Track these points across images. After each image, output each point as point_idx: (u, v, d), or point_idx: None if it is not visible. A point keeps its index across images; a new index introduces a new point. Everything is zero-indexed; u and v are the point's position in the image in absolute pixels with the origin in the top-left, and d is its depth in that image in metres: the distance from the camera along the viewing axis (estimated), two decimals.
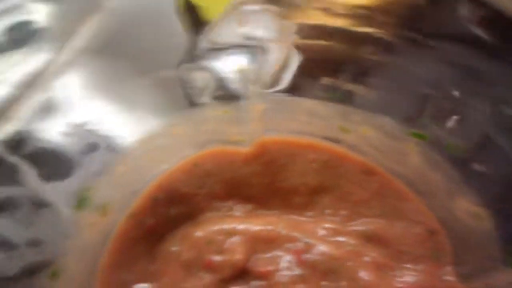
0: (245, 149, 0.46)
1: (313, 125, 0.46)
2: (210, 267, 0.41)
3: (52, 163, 0.38)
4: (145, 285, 0.42)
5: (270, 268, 0.41)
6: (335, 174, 0.46)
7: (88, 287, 0.41)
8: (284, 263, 0.42)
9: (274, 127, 0.46)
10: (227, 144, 0.46)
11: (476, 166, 0.42)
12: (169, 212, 0.45)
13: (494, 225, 0.40)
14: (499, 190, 0.42)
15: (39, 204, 0.36)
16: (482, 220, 0.41)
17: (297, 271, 0.41)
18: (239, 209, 0.45)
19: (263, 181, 0.46)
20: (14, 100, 0.34)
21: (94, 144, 0.41)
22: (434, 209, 0.45)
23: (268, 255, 0.42)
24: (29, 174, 0.36)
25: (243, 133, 0.46)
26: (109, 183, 0.42)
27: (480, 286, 0.41)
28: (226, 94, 0.44)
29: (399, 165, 0.45)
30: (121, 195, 0.43)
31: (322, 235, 0.44)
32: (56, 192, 0.38)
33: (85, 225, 0.40)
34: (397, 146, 0.45)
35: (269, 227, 0.43)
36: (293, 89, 0.44)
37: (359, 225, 0.44)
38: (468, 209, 0.42)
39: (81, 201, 0.40)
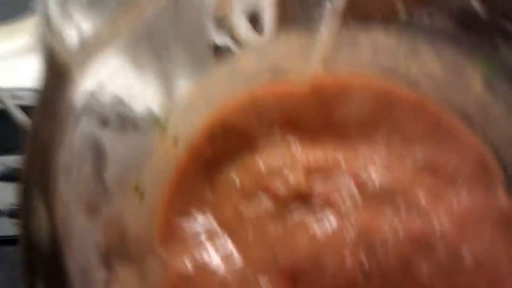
0: (303, 85, 0.46)
1: (373, 57, 0.46)
2: (271, 194, 0.42)
3: None
4: (205, 214, 0.44)
5: (331, 193, 0.42)
6: (389, 109, 0.46)
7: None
8: (344, 189, 0.43)
9: (334, 62, 0.46)
10: (285, 80, 0.46)
11: None
12: (227, 146, 0.46)
13: None
14: None
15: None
16: None
17: (357, 196, 0.42)
18: (296, 143, 0.46)
19: (320, 117, 0.47)
20: None
21: None
22: (491, 143, 0.45)
23: (328, 181, 0.43)
24: None
25: (302, 69, 0.46)
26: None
27: None
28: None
29: (458, 96, 0.45)
30: (187, 128, 0.44)
31: (379, 164, 0.44)
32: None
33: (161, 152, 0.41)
34: (458, 76, 0.44)
35: (328, 157, 0.44)
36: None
37: (416, 155, 0.45)
38: None
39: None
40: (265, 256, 0.40)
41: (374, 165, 0.44)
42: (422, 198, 0.42)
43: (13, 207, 0.67)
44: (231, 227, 0.42)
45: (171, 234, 0.41)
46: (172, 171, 0.44)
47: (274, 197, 0.43)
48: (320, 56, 0.46)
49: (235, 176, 0.45)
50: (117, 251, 0.29)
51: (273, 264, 0.40)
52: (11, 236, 0.65)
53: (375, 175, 0.43)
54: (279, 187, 0.43)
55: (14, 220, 0.67)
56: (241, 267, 0.40)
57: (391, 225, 0.41)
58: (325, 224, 0.41)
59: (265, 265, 0.40)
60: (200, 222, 0.43)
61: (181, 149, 0.44)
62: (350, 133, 0.47)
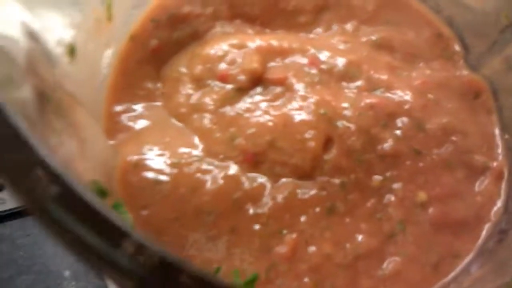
0: None
1: None
2: (225, 78, 0.40)
3: None
4: (156, 103, 0.40)
5: (287, 73, 0.40)
6: None
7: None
8: (300, 69, 0.40)
9: None
10: None
11: None
12: (172, 34, 0.42)
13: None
14: None
15: None
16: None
17: (314, 76, 0.40)
18: (246, 29, 0.44)
19: (268, 2, 0.44)
20: None
21: None
22: (440, 12, 0.45)
23: (283, 63, 0.41)
24: None
25: None
26: None
27: (487, 72, 0.42)
28: None
29: None
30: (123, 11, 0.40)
31: (333, 46, 0.42)
32: None
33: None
34: None
35: (281, 40, 0.42)
36: None
37: (368, 35, 0.44)
38: None
39: None
40: (224, 141, 0.38)
41: (329, 47, 0.42)
42: (382, 74, 0.41)
43: None
44: (184, 117, 0.40)
45: (117, 124, 0.38)
46: (115, 61, 0.40)
47: (229, 82, 0.40)
48: None
49: (184, 65, 0.42)
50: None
51: (232, 148, 0.37)
52: None
53: (332, 55, 0.41)
54: (233, 72, 0.40)
55: None
56: (196, 154, 0.37)
57: (352, 101, 0.39)
58: (284, 105, 0.39)
59: (224, 150, 0.37)
60: (148, 112, 0.40)
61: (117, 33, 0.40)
62: (299, 19, 0.45)
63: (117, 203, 0.28)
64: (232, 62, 0.41)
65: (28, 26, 0.27)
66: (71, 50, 0.32)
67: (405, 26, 0.44)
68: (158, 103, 0.40)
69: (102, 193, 0.26)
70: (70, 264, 0.60)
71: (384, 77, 0.41)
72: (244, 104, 0.39)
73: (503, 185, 0.38)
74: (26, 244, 0.62)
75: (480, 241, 0.36)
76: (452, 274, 0.35)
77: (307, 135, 0.37)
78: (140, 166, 0.36)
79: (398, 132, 0.38)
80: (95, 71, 0.38)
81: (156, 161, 0.36)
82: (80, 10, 0.34)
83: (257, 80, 0.40)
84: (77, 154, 0.25)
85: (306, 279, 0.34)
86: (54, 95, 0.27)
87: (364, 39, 0.44)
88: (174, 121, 0.40)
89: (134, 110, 0.39)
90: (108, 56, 0.40)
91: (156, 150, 0.37)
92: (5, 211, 0.64)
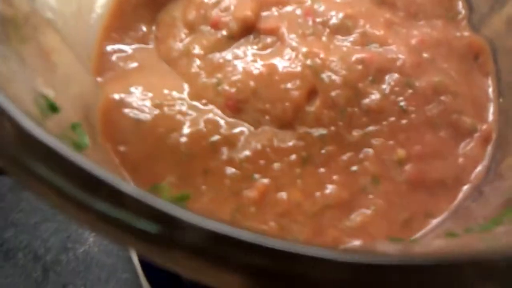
0: None
1: None
2: (217, 25, 0.40)
3: None
4: (148, 46, 0.41)
5: (280, 24, 0.40)
6: None
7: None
8: (294, 20, 0.40)
9: None
10: None
11: None
12: None
13: None
14: None
15: None
16: None
17: (308, 28, 0.40)
18: None
19: None
20: None
21: None
22: None
23: (278, 13, 0.41)
24: None
25: None
26: None
27: (488, 33, 0.40)
28: None
29: None
30: None
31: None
32: None
33: None
34: None
35: None
36: None
37: None
38: None
39: None
40: (209, 86, 0.38)
41: (328, 0, 0.42)
42: (379, 29, 0.40)
43: None
44: (174, 61, 0.40)
45: (107, 63, 0.39)
46: (112, 2, 0.41)
47: (221, 29, 0.40)
48: None
49: (179, 11, 0.42)
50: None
51: (216, 93, 0.38)
52: None
53: (329, 8, 0.41)
54: (225, 19, 0.40)
55: None
56: (180, 96, 0.38)
57: (342, 54, 0.38)
58: (272, 54, 0.39)
59: (208, 95, 0.38)
60: (139, 54, 0.41)
61: None
62: None
63: (75, 123, 0.29)
64: (225, 9, 0.41)
65: None
66: None
67: None
68: (150, 46, 0.41)
69: (53, 108, 0.26)
70: None
71: (380, 32, 0.40)
72: (233, 51, 0.40)
73: (489, 148, 0.37)
74: None
75: (456, 202, 0.35)
76: (420, 232, 0.35)
77: (291, 85, 0.37)
78: (123, 104, 0.37)
79: (385, 87, 0.38)
80: (88, 8, 0.39)
81: (139, 100, 0.37)
82: None
83: (249, 28, 0.40)
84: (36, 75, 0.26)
85: (272, 223, 0.34)
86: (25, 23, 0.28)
87: None
88: (163, 64, 0.40)
89: (125, 51, 0.40)
90: None
91: (141, 90, 0.38)
92: None
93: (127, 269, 0.57)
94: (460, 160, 0.37)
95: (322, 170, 0.36)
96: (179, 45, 0.40)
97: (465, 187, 0.36)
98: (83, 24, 0.38)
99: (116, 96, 0.37)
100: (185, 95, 0.38)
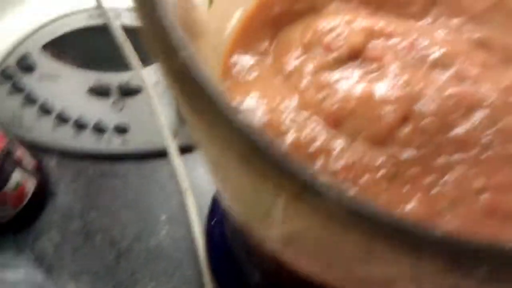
0: None
1: None
2: (329, 48, 0.46)
3: None
4: (267, 60, 0.48)
5: (385, 53, 0.45)
6: None
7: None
8: (399, 52, 0.45)
9: None
10: None
11: None
12: (293, 6, 0.49)
13: None
14: None
15: None
16: None
17: (410, 60, 0.45)
18: (360, 9, 0.49)
19: None
20: None
21: None
22: None
23: (385, 44, 0.46)
24: None
25: None
26: None
27: None
28: None
29: None
30: None
31: (435, 36, 0.46)
32: None
33: None
34: None
35: (388, 24, 0.47)
36: None
37: (471, 32, 0.47)
38: None
39: None
40: (315, 101, 0.44)
41: (431, 36, 0.46)
42: (473, 68, 0.44)
43: (98, 121, 0.74)
44: (287, 75, 0.47)
45: (229, 72, 0.46)
46: (242, 19, 0.48)
47: (332, 52, 0.46)
48: None
49: (298, 33, 0.48)
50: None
51: (320, 109, 0.44)
52: (92, 150, 0.73)
53: (431, 44, 0.45)
54: (337, 44, 0.46)
55: (97, 136, 0.74)
56: (289, 106, 0.44)
57: (437, 87, 0.43)
58: (373, 80, 0.44)
59: (313, 109, 0.44)
60: (259, 66, 0.47)
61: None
62: (410, 8, 0.49)
63: None
64: (338, 35, 0.47)
65: None
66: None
67: (510, 31, 0.46)
68: (269, 61, 0.48)
69: None
70: (169, 209, 0.69)
71: (474, 71, 0.44)
72: (340, 73, 0.45)
73: None
74: (136, 184, 0.71)
75: None
76: None
77: (387, 110, 0.42)
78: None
79: (473, 121, 0.42)
80: (224, 25, 0.46)
81: (254, 104, 0.44)
82: None
83: (357, 54, 0.46)
84: None
85: None
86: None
87: (466, 35, 0.47)
88: (278, 77, 0.47)
89: (247, 63, 0.47)
90: (236, 16, 0.48)
91: (256, 97, 0.44)
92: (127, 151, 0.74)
93: (192, 266, 0.61)
94: None
95: (406, 188, 0.41)
96: (294, 62, 0.47)
97: None
98: (220, 37, 0.45)
99: (236, 101, 0.44)
100: (294, 105, 0.44)
